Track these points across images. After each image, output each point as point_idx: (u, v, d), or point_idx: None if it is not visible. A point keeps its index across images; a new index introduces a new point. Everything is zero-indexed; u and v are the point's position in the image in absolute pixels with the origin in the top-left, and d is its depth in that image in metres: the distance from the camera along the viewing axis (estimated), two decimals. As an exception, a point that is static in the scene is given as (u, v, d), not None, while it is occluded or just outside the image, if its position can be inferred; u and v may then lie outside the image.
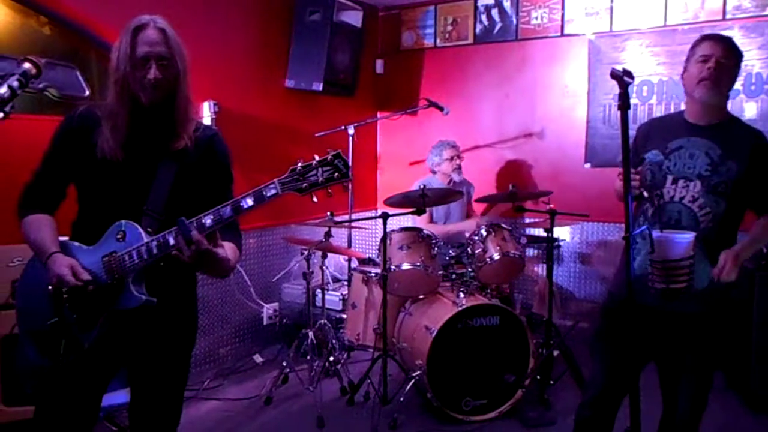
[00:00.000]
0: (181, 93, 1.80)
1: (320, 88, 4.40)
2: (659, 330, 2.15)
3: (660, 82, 4.29)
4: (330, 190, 1.63)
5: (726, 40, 2.17)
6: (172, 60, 1.76)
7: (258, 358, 4.20)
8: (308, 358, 3.68)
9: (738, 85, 4.03)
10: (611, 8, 4.47)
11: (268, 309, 4.40)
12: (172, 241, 1.68)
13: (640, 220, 2.28)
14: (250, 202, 1.65)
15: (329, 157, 1.62)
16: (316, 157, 1.63)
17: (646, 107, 4.34)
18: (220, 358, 4.15)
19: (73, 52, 3.38)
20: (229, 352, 4.21)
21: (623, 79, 1.77)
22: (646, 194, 2.19)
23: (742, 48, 4.11)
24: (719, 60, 2.11)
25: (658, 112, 4.29)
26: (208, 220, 1.66)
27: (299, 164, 1.63)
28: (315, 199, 1.63)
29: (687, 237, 1.97)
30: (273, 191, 1.63)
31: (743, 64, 4.12)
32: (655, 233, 1.94)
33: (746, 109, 4.06)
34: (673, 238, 1.95)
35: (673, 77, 4.24)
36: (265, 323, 4.42)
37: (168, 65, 1.75)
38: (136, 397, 1.91)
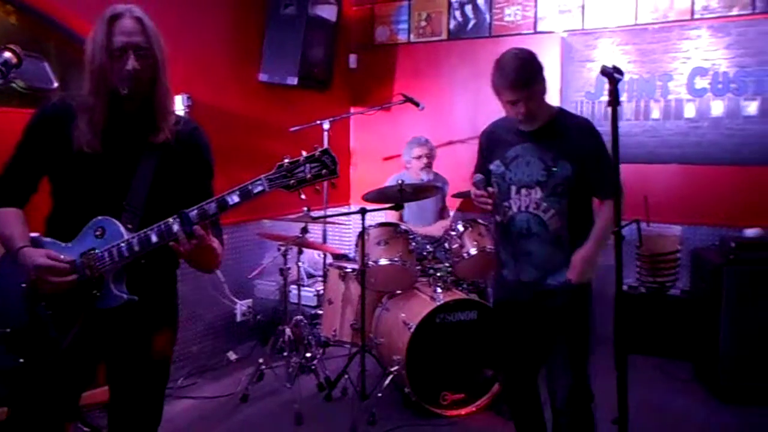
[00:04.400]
0: (161, 84, 1.76)
1: (295, 82, 4.36)
2: (536, 322, 2.35)
3: (631, 80, 4.37)
4: (318, 187, 1.61)
5: (517, 83, 2.19)
6: (151, 50, 1.71)
7: (232, 356, 4.16)
8: (285, 354, 3.66)
9: (705, 83, 4.19)
10: (583, 6, 4.53)
11: (241, 306, 4.35)
12: (154, 238, 1.65)
13: (498, 230, 2.45)
14: (236, 198, 1.62)
15: (317, 153, 1.60)
16: (303, 153, 1.61)
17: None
18: (193, 356, 4.09)
19: (40, 43, 3.28)
20: (202, 350, 4.15)
21: (613, 75, 1.81)
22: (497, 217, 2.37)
23: (709, 47, 4.23)
24: (524, 101, 2.19)
25: (629, 110, 4.38)
26: (193, 215, 1.63)
27: (286, 160, 1.61)
28: (303, 196, 1.62)
29: (674, 230, 2.03)
30: (260, 188, 1.61)
31: (710, 63, 4.25)
32: (644, 226, 2.00)
33: (713, 107, 4.17)
34: (663, 232, 2.01)
35: (644, 75, 4.33)
36: (238, 320, 4.37)
37: (146, 55, 1.71)
38: (115, 396, 1.87)
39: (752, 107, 4.06)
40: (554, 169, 2.22)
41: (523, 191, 2.28)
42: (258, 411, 3.43)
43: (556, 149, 2.23)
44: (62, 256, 1.67)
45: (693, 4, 4.19)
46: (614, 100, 1.81)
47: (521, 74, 2.20)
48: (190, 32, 3.90)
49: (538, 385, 2.50)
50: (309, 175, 1.58)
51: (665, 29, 4.27)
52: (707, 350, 3.61)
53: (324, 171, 1.59)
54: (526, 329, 2.41)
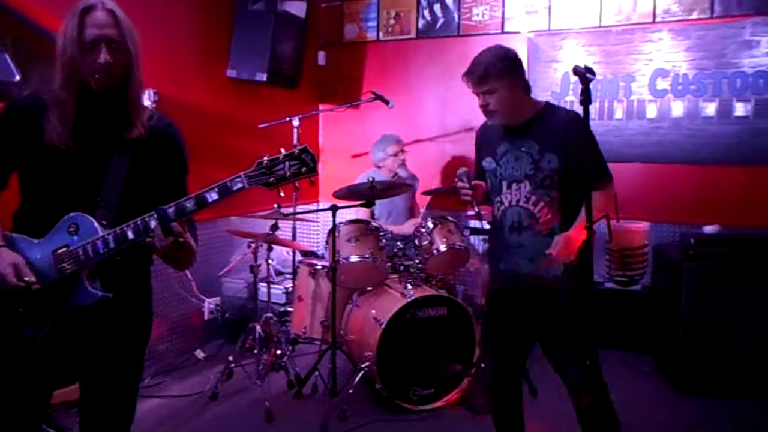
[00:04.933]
0: (134, 78, 1.74)
1: (264, 79, 4.33)
2: (536, 315, 2.34)
3: (595, 80, 4.45)
4: (297, 185, 1.62)
5: (473, 76, 2.29)
6: (124, 43, 1.69)
7: (200, 354, 4.12)
8: (254, 352, 3.64)
9: (666, 85, 4.31)
10: (549, 8, 4.62)
11: (209, 304, 4.31)
12: (130, 235, 1.63)
13: (493, 224, 2.48)
14: (214, 195, 1.62)
15: (296, 151, 1.61)
16: (283, 151, 1.62)
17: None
18: (160, 355, 4.03)
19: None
20: (169, 349, 4.10)
21: (586, 75, 1.86)
22: (476, 209, 2.37)
23: (670, 50, 4.33)
24: (483, 95, 2.28)
25: (593, 110, 4.47)
26: (170, 212, 1.62)
27: (265, 158, 1.61)
28: (282, 194, 1.62)
29: (643, 225, 2.08)
30: (239, 185, 1.60)
31: (671, 65, 4.36)
32: (614, 222, 2.03)
33: (673, 108, 4.30)
34: (631, 227, 2.05)
35: (607, 76, 4.43)
36: (206, 318, 4.33)
37: (119, 48, 1.68)
38: (88, 394, 1.84)
39: (710, 109, 4.20)
40: (540, 162, 2.26)
41: (514, 186, 2.32)
42: (228, 409, 3.41)
43: (544, 143, 2.26)
44: (27, 276, 1.64)
45: (655, 7, 4.31)
46: (586, 99, 1.86)
47: (479, 68, 2.28)
48: (155, 26, 3.84)
49: (521, 379, 2.53)
50: (288, 173, 1.59)
51: (628, 31, 4.38)
52: (668, 344, 3.73)
53: (303, 169, 1.60)
54: (518, 321, 2.41)
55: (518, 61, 2.35)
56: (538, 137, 2.28)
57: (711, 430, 3.18)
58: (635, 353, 4.07)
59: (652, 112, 4.35)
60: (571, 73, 4.48)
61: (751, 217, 4.07)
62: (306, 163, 1.60)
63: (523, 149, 2.29)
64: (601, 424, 2.30)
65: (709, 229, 3.93)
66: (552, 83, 4.63)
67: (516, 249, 2.36)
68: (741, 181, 4.17)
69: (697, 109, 4.22)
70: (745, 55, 4.09)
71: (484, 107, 2.31)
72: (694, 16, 4.20)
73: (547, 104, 2.40)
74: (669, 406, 3.46)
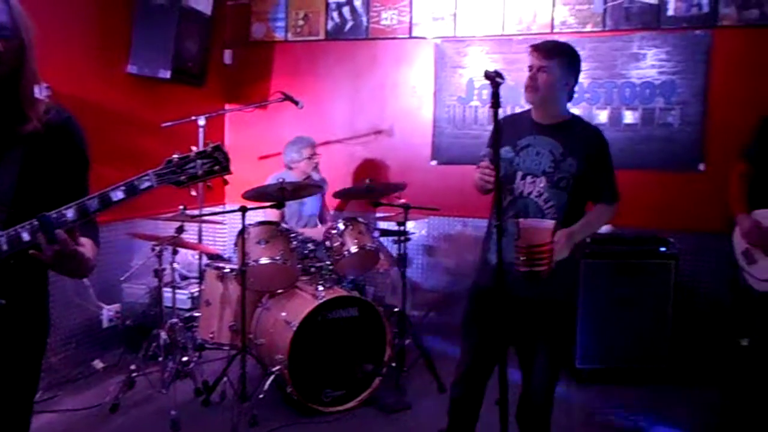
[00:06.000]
0: (28, 69, 1.62)
1: (168, 76, 4.17)
2: (519, 315, 2.34)
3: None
4: (210, 184, 1.57)
5: (543, 48, 2.39)
6: (16, 31, 1.58)
7: (98, 364, 3.90)
8: (159, 360, 3.50)
9: (563, 92, 4.51)
10: (455, 15, 4.75)
11: (108, 311, 4.09)
12: (26, 237, 1.52)
13: (495, 212, 2.46)
14: (120, 194, 1.54)
15: (209, 149, 1.56)
16: (194, 149, 1.57)
17: (486, 109, 4.68)
18: (52, 367, 3.77)
19: None
20: (62, 360, 3.84)
21: (495, 79, 1.93)
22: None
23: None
24: (537, 68, 2.36)
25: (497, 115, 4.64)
26: (70, 214, 1.52)
27: (175, 156, 1.55)
28: (194, 193, 1.57)
29: (548, 223, 2.17)
30: (147, 183, 1.53)
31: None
32: (521, 220, 2.12)
33: (570, 114, 4.53)
34: (537, 224, 2.14)
35: (509, 83, 4.59)
36: (105, 326, 4.10)
37: (11, 37, 1.57)
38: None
39: (603, 116, 4.48)
40: (561, 163, 2.32)
41: (528, 178, 2.35)
42: (130, 420, 3.25)
43: (568, 147, 2.33)
44: None
45: (553, 19, 4.54)
46: (496, 103, 1.94)
47: (552, 44, 2.37)
48: (47, 15, 3.61)
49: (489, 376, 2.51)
50: (201, 171, 1.54)
51: (528, 41, 4.50)
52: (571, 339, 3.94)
53: (216, 167, 1.56)
54: (504, 322, 2.31)
55: (580, 66, 2.42)
56: (564, 140, 2.34)
57: (606, 417, 3.38)
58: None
59: (550, 118, 4.57)
60: (476, 79, 4.70)
61: (639, 218, 4.37)
62: (219, 161, 1.57)
63: (546, 147, 2.35)
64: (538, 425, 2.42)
65: (603, 228, 4.18)
66: (458, 88, 4.76)
67: (513, 238, 2.30)
68: (630, 184, 4.41)
69: (591, 116, 4.48)
70: (633, 67, 4.40)
71: (532, 81, 2.35)
72: (588, 28, 4.47)
73: (576, 116, 2.50)
74: (566, 397, 3.65)
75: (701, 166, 4.30)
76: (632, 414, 3.40)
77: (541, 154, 2.37)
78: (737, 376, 3.29)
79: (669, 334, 3.78)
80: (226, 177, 1.59)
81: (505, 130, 2.47)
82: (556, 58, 2.35)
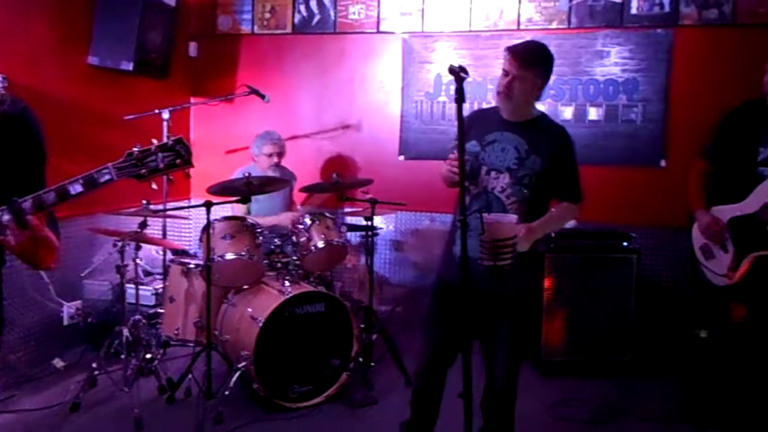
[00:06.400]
0: None
1: (130, 68, 4.09)
2: (482, 308, 2.35)
3: (465, 82, 4.65)
4: (171, 177, 1.55)
5: (522, 56, 2.38)
6: None
7: (58, 363, 3.81)
8: (121, 357, 3.43)
9: (528, 89, 4.56)
10: (423, 10, 4.75)
11: (69, 308, 4.00)
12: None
13: (460, 206, 2.47)
14: (78, 187, 1.50)
15: (170, 141, 1.54)
16: (155, 142, 1.54)
17: (452, 105, 4.70)
18: (10, 365, 3.67)
19: None
20: (21, 359, 3.74)
21: (460, 74, 1.93)
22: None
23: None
24: (514, 76, 2.36)
25: (464, 111, 4.65)
26: (26, 206, 1.48)
27: (136, 149, 1.52)
28: (155, 186, 1.54)
29: (512, 218, 2.19)
30: (107, 176, 1.50)
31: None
32: (485, 216, 2.13)
33: (536, 110, 4.58)
34: (501, 219, 2.16)
35: (477, 79, 4.64)
36: (65, 324, 4.01)
37: None
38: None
39: (568, 112, 4.54)
40: (526, 160, 2.34)
41: (493, 174, 2.37)
42: (91, 420, 3.18)
43: (533, 144, 2.35)
44: None
45: (519, 15, 4.57)
46: (460, 98, 1.95)
47: (529, 52, 2.35)
48: (3, 3, 3.50)
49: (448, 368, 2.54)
50: (162, 165, 1.52)
51: (495, 37, 4.62)
52: (532, 331, 3.98)
53: (178, 160, 1.53)
54: (468, 316, 2.36)
55: (553, 67, 2.43)
56: (530, 138, 2.36)
57: (569, 409, 3.44)
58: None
59: (516, 114, 4.62)
60: (443, 74, 4.71)
61: (602, 213, 4.44)
62: (181, 155, 1.54)
63: (512, 143, 2.37)
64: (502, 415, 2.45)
65: (568, 223, 4.23)
66: (425, 84, 4.77)
67: (478, 234, 2.32)
68: (593, 180, 4.49)
69: (557, 112, 4.54)
70: (597, 64, 4.46)
71: (508, 90, 2.35)
72: (554, 25, 4.52)
73: (543, 114, 2.50)
74: (532, 389, 3.68)
75: (663, 163, 4.39)
76: (594, 405, 3.46)
77: (506, 150, 2.39)
78: (696, 366, 3.37)
79: (631, 327, 3.86)
80: (189, 170, 1.56)
81: (474, 124, 2.50)
82: (535, 68, 2.36)
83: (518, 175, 2.36)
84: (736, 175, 2.96)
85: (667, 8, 4.31)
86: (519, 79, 2.34)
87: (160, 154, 1.52)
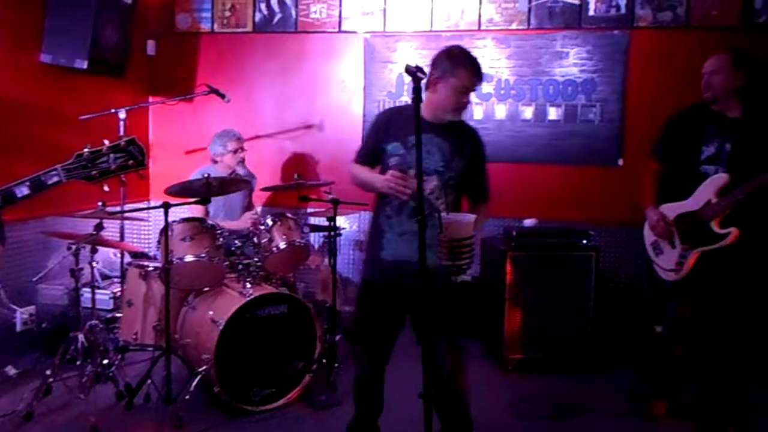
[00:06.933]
0: None
1: (85, 66, 3.99)
2: (417, 307, 2.41)
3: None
4: (124, 178, 1.51)
5: (482, 74, 2.46)
6: None
7: (11, 370, 3.68)
8: (77, 363, 3.34)
9: (491, 89, 4.63)
10: (384, 10, 4.75)
11: (22, 314, 3.88)
12: None
13: (386, 210, 2.52)
14: (25, 190, 1.46)
15: (122, 142, 1.50)
16: (106, 142, 1.50)
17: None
18: (-41, 374, 3.56)
19: None
20: (-29, 366, 3.63)
21: (416, 74, 1.94)
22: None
23: (493, 57, 4.70)
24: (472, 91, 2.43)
25: (419, 110, 4.67)
26: (-31, 211, 1.43)
27: (86, 150, 1.48)
28: (106, 188, 1.50)
29: (470, 217, 2.20)
30: (55, 178, 1.46)
31: (495, 70, 4.71)
32: (444, 215, 2.14)
33: (497, 111, 4.64)
34: (460, 219, 2.17)
35: (438, 79, 4.66)
36: (18, 330, 3.89)
37: None
38: None
39: (528, 112, 4.60)
40: (451, 162, 2.40)
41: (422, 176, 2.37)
42: (46, 429, 3.08)
43: (456, 147, 2.42)
44: None
45: (480, 16, 4.61)
46: (417, 98, 1.95)
47: (480, 68, 2.41)
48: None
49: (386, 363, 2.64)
50: (114, 166, 1.48)
51: (456, 37, 4.64)
52: (494, 329, 4.02)
53: (131, 162, 1.50)
54: (395, 309, 2.53)
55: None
56: (453, 140, 2.43)
57: (531, 405, 3.47)
58: (466, 339, 4.31)
59: (479, 114, 4.66)
60: (405, 74, 4.71)
61: (562, 211, 4.52)
62: (133, 156, 1.50)
63: (436, 146, 2.41)
64: (456, 409, 2.49)
65: (528, 222, 4.30)
66: (387, 84, 4.77)
67: (411, 237, 2.31)
68: (553, 179, 4.61)
69: (517, 112, 4.60)
70: (557, 65, 4.53)
71: (466, 106, 2.45)
72: (514, 26, 4.57)
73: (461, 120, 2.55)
74: (494, 386, 3.74)
75: (620, 162, 4.48)
76: (555, 401, 3.50)
77: (432, 152, 2.43)
78: (651, 361, 3.45)
79: (590, 323, 3.93)
80: (143, 172, 1.53)
81: (393, 125, 2.53)
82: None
83: (446, 177, 2.42)
84: (682, 174, 3.07)
85: (623, 10, 4.40)
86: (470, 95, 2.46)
87: (111, 156, 1.48)
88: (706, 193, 2.94)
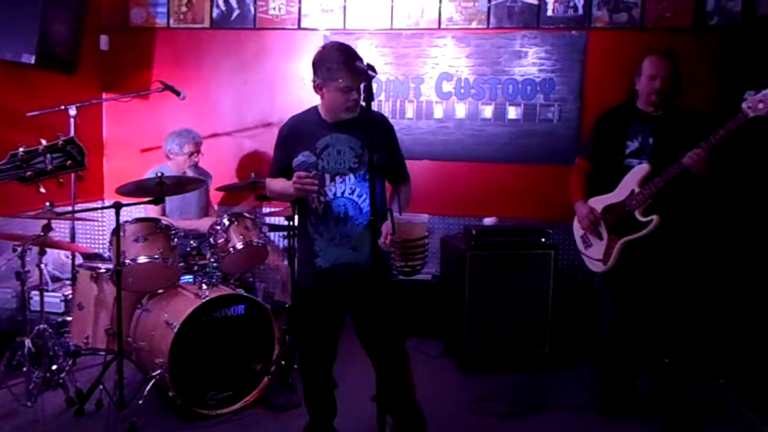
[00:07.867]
0: None
1: (32, 61, 3.84)
2: (356, 306, 2.49)
3: (387, 80, 4.67)
4: (61, 180, 1.44)
5: (361, 70, 2.38)
6: None
7: (-45, 378, 3.54)
8: (24, 370, 3.22)
9: (451, 87, 4.64)
10: (344, 7, 4.71)
11: (-33, 318, 3.73)
12: None
13: (311, 218, 2.52)
14: (-47, 192, 1.38)
15: (60, 142, 1.44)
16: (43, 142, 1.43)
17: (376, 104, 4.68)
18: None
19: None
20: None
21: (368, 72, 1.92)
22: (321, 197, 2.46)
23: (454, 55, 4.69)
24: (356, 89, 2.42)
25: (386, 108, 4.67)
26: None
27: (21, 149, 1.41)
28: (42, 190, 1.44)
29: (423, 218, 2.20)
30: (-15, 179, 1.39)
31: (455, 69, 4.70)
32: (396, 216, 2.13)
33: (457, 110, 4.64)
34: (412, 219, 2.16)
35: (399, 77, 4.65)
36: (-38, 335, 3.73)
37: None
38: None
39: (488, 111, 4.61)
40: (363, 157, 2.41)
41: (338, 179, 2.43)
42: (-9, 438, 2.98)
43: (364, 139, 2.41)
44: None
45: (440, 15, 4.61)
46: (369, 96, 1.93)
47: (363, 63, 2.27)
48: None
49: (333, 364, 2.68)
50: (50, 167, 1.42)
51: (417, 35, 4.64)
52: (454, 327, 4.03)
53: (69, 162, 1.44)
54: (333, 312, 2.57)
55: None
56: (360, 134, 2.41)
57: (491, 403, 3.49)
58: (427, 339, 4.32)
59: (439, 112, 4.66)
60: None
61: (521, 210, 4.55)
62: (72, 156, 1.44)
63: (345, 144, 2.42)
64: (406, 405, 2.52)
65: (488, 221, 4.31)
66: (348, 81, 4.72)
67: (341, 240, 2.44)
68: (513, 177, 4.64)
69: (477, 111, 4.61)
70: (516, 64, 4.55)
71: (356, 103, 2.42)
72: (474, 25, 4.58)
73: (362, 105, 2.48)
74: (454, 385, 3.74)
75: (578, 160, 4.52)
76: (514, 399, 3.52)
77: (342, 152, 2.44)
78: (603, 357, 3.51)
79: (549, 321, 3.96)
80: (82, 173, 1.47)
81: (296, 136, 2.53)
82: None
83: (361, 172, 2.44)
84: (609, 168, 3.18)
85: (580, 11, 4.45)
86: (357, 90, 2.42)
87: (48, 156, 1.42)
88: (629, 183, 3.05)
